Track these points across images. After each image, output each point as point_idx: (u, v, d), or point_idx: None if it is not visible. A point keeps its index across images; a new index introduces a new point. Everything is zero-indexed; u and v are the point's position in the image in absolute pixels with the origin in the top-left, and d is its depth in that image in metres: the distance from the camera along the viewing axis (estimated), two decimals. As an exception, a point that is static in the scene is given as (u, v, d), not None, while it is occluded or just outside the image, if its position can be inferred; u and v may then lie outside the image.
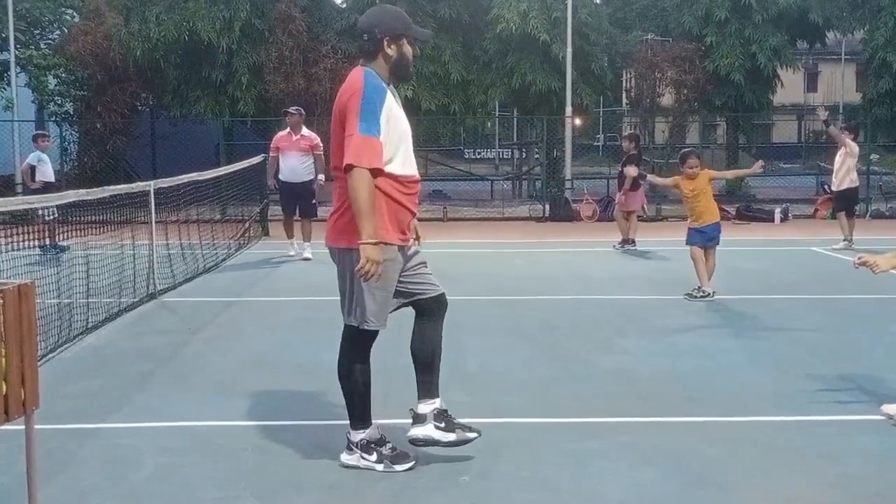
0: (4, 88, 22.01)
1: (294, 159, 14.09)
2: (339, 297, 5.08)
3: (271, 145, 14.49)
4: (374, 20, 5.07)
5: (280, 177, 14.31)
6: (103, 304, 9.32)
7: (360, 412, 5.16)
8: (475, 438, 5.19)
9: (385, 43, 5.01)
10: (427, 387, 5.21)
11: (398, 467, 5.07)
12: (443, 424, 5.16)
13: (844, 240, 14.85)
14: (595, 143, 42.16)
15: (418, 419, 5.17)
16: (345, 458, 5.17)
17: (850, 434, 5.73)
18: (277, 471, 5.16)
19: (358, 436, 5.12)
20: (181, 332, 8.89)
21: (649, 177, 13.10)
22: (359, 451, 5.11)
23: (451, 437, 5.17)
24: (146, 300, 10.29)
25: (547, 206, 21.56)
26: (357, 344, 5.14)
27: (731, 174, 10.26)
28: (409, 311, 5.16)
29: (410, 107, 23.44)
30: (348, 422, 5.18)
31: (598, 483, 4.94)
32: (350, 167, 4.73)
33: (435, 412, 5.17)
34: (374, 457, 5.08)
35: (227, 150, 23.51)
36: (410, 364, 5.21)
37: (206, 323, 9.27)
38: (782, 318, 9.43)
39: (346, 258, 4.97)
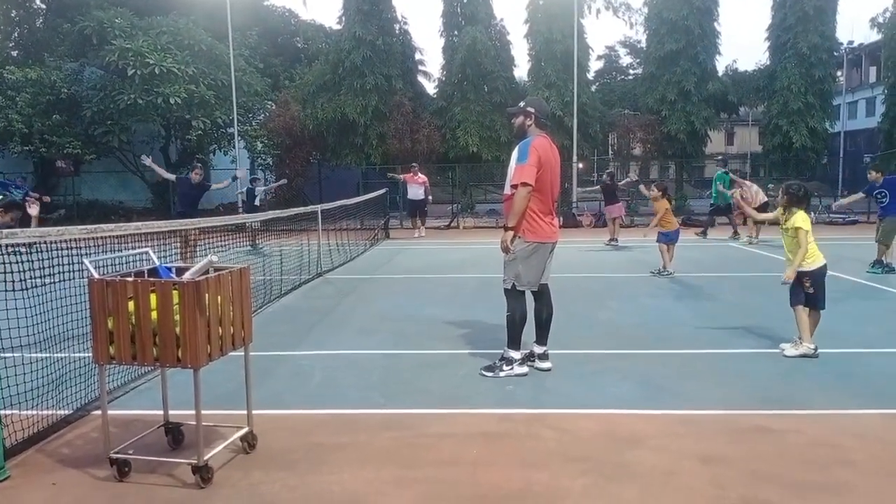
0: (232, 149, 22.49)
1: (415, 187, 17.56)
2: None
3: (404, 175, 17.92)
4: None
5: (408, 196, 17.93)
6: (290, 280, 9.46)
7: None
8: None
9: None
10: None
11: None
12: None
13: (748, 236, 14.70)
14: (592, 179, 41.34)
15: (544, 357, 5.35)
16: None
17: (756, 361, 5.56)
18: (395, 381, 5.16)
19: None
20: (336, 296, 8.96)
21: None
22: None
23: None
24: (315, 277, 10.41)
25: (561, 218, 21.22)
26: None
27: (668, 218, 10.28)
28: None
29: (476, 157, 23.51)
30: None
31: (594, 391, 4.86)
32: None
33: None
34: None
35: (363, 186, 23.69)
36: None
37: (351, 291, 9.34)
38: (711, 287, 9.17)
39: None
